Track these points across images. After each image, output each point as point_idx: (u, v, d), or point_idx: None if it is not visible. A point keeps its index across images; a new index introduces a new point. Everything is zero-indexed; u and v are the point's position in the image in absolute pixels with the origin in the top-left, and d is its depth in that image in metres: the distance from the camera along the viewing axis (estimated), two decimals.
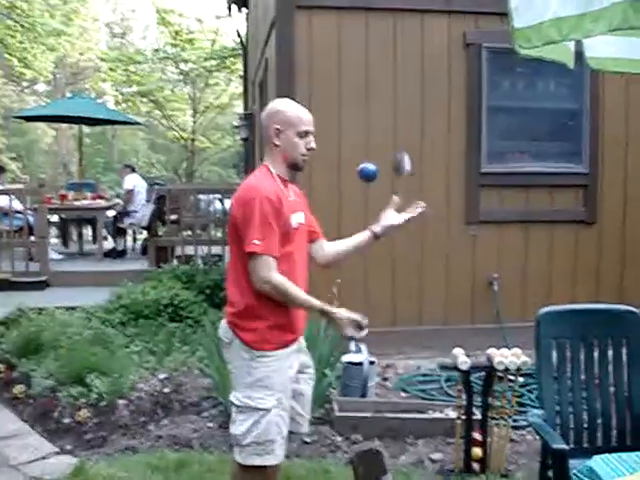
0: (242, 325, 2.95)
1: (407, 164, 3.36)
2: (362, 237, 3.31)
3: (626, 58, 3.31)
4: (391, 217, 3.34)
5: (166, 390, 5.48)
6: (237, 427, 2.93)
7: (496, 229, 6.67)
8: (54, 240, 12.88)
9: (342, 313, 2.90)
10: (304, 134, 2.99)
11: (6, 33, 20.05)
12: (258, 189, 2.90)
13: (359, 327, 2.89)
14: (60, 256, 10.50)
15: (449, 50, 6.52)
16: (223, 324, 3.06)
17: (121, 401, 5.20)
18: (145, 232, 10.79)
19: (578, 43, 3.08)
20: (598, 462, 2.69)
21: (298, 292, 2.90)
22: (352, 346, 5.42)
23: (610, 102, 6.72)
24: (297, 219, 3.02)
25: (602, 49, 3.20)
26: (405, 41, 6.46)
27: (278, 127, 2.98)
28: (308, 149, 3.02)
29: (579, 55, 3.21)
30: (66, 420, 4.95)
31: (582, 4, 2.31)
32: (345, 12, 6.35)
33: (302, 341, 3.19)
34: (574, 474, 2.78)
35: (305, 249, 3.14)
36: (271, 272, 2.84)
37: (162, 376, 5.77)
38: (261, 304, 2.91)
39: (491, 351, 3.80)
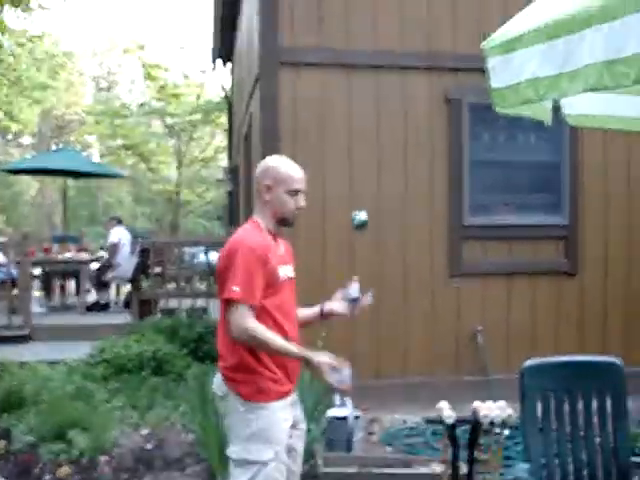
0: (235, 378, 2.94)
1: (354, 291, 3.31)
2: (312, 311, 3.31)
3: (603, 114, 3.39)
4: (338, 303, 3.29)
5: (148, 446, 5.41)
6: None
7: (479, 281, 6.72)
8: (37, 293, 12.79)
9: (321, 359, 2.89)
10: (294, 192, 3.02)
11: None
12: (242, 240, 2.94)
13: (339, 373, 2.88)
14: (43, 309, 10.43)
15: (430, 105, 6.64)
16: (217, 378, 3.05)
17: (103, 457, 5.12)
18: (129, 285, 10.74)
19: (555, 100, 3.15)
20: None
21: (275, 339, 2.88)
22: (337, 400, 5.41)
23: (589, 155, 6.85)
24: (285, 272, 3.04)
25: (579, 106, 3.27)
26: (387, 96, 6.57)
27: (269, 184, 3.01)
28: (298, 207, 3.05)
29: (557, 110, 3.28)
30: (47, 477, 4.86)
31: (558, 64, 2.37)
32: (328, 69, 6.47)
33: (295, 395, 3.18)
34: None
35: (294, 302, 3.15)
36: (246, 320, 2.83)
37: (144, 432, 5.70)
38: (252, 358, 2.90)
39: (476, 404, 3.79)
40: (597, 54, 2.21)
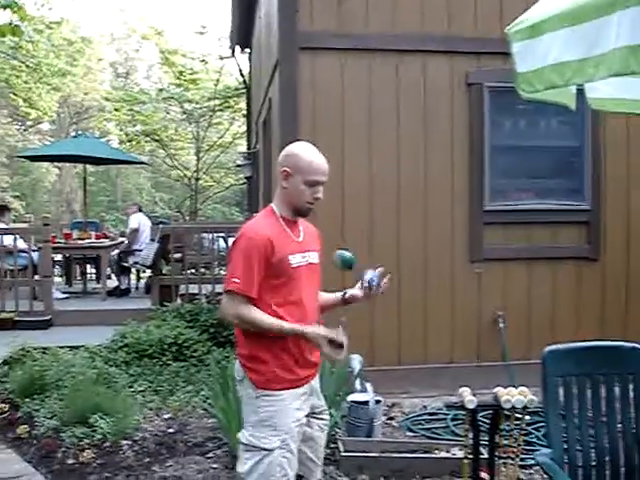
0: (249, 366, 2.97)
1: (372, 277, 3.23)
2: (334, 297, 3.31)
3: (626, 99, 3.35)
4: (359, 288, 3.25)
5: (170, 430, 5.46)
6: (242, 465, 2.94)
7: (500, 267, 6.68)
8: (58, 279, 12.90)
9: (315, 331, 2.89)
10: (313, 183, 2.97)
11: (11, 73, 20.27)
12: (249, 229, 2.96)
13: (337, 345, 2.86)
14: (64, 295, 10.51)
15: (451, 90, 6.59)
16: (237, 362, 3.08)
17: (125, 441, 5.18)
18: (149, 271, 10.80)
19: (579, 84, 3.12)
20: None
21: (264, 319, 2.88)
22: (357, 385, 5.43)
23: (611, 139, 6.78)
24: (305, 259, 3.03)
25: (602, 90, 3.24)
26: (407, 81, 6.53)
27: (288, 170, 2.98)
28: (315, 198, 3.01)
29: (580, 93, 3.25)
30: (70, 461, 4.92)
31: (583, 49, 2.34)
32: (348, 53, 6.44)
33: (315, 384, 3.18)
34: None
35: (315, 288, 3.15)
36: (238, 307, 2.87)
37: (166, 416, 5.75)
38: (264, 349, 2.92)
39: (498, 390, 3.78)
40: (623, 39, 2.18)
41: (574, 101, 3.17)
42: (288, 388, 2.95)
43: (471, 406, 3.63)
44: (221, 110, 20.87)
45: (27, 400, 5.90)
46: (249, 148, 14.28)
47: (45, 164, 31.04)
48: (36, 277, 9.39)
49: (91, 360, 6.65)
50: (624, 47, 2.16)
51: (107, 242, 11.56)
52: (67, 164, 28.23)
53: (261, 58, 10.28)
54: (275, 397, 2.92)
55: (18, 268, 9.25)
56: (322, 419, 3.21)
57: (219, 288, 9.07)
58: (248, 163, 12.68)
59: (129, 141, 23.00)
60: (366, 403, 5.13)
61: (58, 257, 12.40)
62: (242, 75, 15.32)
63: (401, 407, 6.14)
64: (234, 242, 2.97)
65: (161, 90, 22.64)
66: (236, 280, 2.86)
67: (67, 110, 33.98)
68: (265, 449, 2.88)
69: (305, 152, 3.02)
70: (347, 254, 3.25)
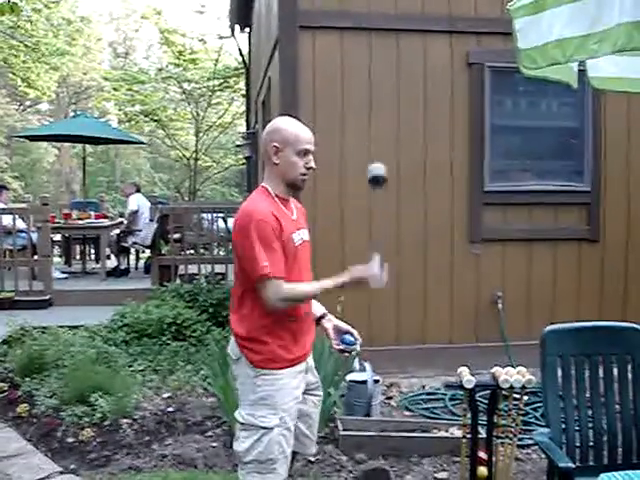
0: (246, 345, 2.95)
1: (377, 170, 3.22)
2: (315, 309, 3.25)
3: (628, 77, 3.33)
4: (332, 327, 3.21)
5: (170, 409, 5.48)
6: (239, 444, 2.93)
7: (500, 247, 6.68)
8: (57, 259, 12.90)
9: (353, 274, 2.97)
10: (303, 153, 2.94)
11: (10, 53, 20.19)
12: (253, 213, 2.85)
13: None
14: (63, 275, 10.52)
15: (452, 69, 6.55)
16: (232, 340, 3.06)
17: (125, 420, 5.20)
18: (148, 251, 10.80)
19: (581, 62, 3.10)
20: None
21: (307, 288, 2.95)
22: (356, 364, 5.44)
23: (612, 120, 6.75)
24: (300, 236, 3.01)
25: (604, 69, 3.22)
26: (408, 61, 6.49)
27: (277, 145, 2.94)
28: (307, 168, 2.97)
29: (582, 73, 3.23)
30: (70, 439, 4.95)
31: (586, 25, 2.32)
32: (348, 32, 6.39)
33: (310, 361, 3.17)
34: None
35: (309, 265, 3.13)
36: (282, 290, 2.83)
37: (166, 395, 5.77)
38: (264, 330, 2.90)
39: (496, 370, 3.79)
40: (627, 15, 2.16)
41: (576, 79, 3.15)
42: (286, 367, 2.94)
43: (469, 386, 3.64)
44: (220, 90, 20.79)
45: (27, 379, 5.92)
46: (248, 128, 14.23)
47: (44, 144, 31.00)
48: (35, 257, 9.39)
49: (91, 339, 6.66)
50: (628, 23, 2.13)
51: (106, 222, 11.54)
52: (66, 144, 28.19)
53: (261, 37, 10.22)
54: (274, 376, 2.91)
55: (17, 248, 9.24)
56: (316, 395, 3.21)
57: (218, 268, 9.09)
58: (247, 143, 12.63)
59: (128, 121, 22.93)
60: (365, 382, 5.14)
61: (57, 237, 12.38)
62: (241, 55, 15.24)
63: (399, 387, 6.16)
64: (241, 227, 2.85)
65: (160, 70, 22.57)
66: (265, 263, 2.78)
67: (66, 90, 33.85)
68: (264, 427, 2.88)
69: (289, 124, 3.00)
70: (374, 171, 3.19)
